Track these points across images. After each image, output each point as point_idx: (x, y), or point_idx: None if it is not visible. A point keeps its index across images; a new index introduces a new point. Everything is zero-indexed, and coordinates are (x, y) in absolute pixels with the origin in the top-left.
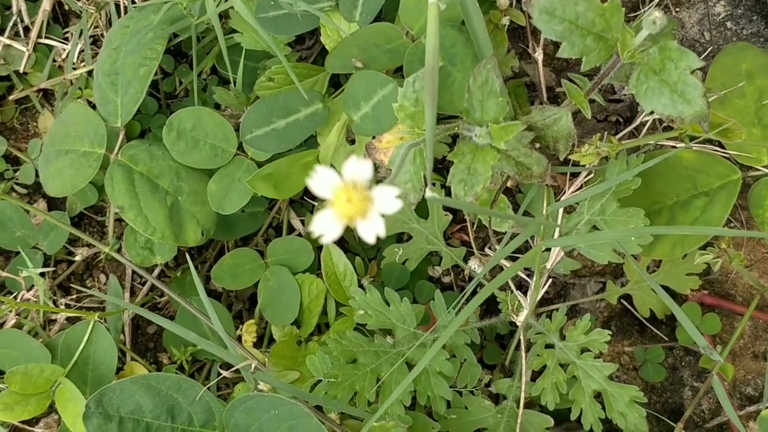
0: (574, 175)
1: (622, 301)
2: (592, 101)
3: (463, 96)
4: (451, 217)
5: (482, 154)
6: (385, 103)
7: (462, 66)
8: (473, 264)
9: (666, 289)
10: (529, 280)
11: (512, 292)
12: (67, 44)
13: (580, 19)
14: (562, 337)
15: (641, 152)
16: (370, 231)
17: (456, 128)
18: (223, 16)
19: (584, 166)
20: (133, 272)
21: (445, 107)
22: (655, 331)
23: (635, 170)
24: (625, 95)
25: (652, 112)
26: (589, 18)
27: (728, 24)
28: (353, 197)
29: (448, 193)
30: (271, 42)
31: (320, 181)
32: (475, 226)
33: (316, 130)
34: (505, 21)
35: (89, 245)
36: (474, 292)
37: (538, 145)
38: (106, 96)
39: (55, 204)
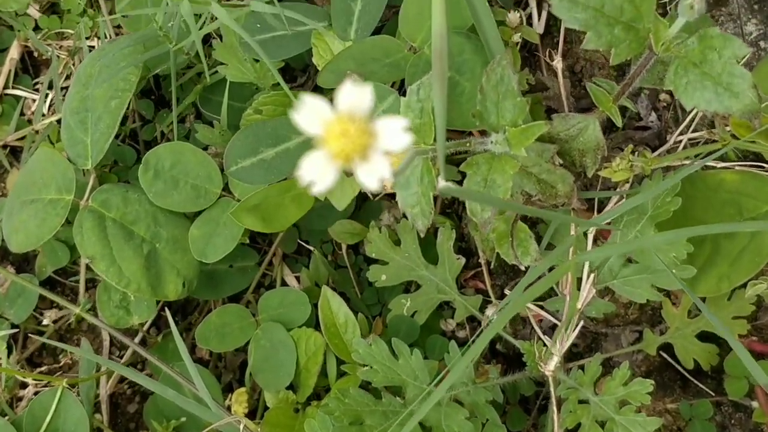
0: (601, 207)
1: (662, 353)
2: (622, 110)
3: (473, 107)
4: (464, 261)
5: (500, 163)
6: None
7: (471, 75)
8: (491, 313)
9: (711, 335)
10: (557, 321)
11: (539, 339)
12: (37, 95)
13: (605, 6)
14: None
15: (678, 171)
16: (372, 173)
17: (468, 144)
18: (207, 56)
19: (615, 187)
20: (111, 341)
21: (454, 121)
22: (700, 385)
23: (673, 179)
24: (652, 122)
25: (683, 133)
26: (616, 4)
27: (761, 44)
28: (350, 130)
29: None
30: (264, 56)
31: (308, 112)
32: (492, 266)
33: None
34: (517, 38)
35: (59, 308)
36: (493, 347)
37: (561, 162)
38: (74, 136)
39: (23, 269)
